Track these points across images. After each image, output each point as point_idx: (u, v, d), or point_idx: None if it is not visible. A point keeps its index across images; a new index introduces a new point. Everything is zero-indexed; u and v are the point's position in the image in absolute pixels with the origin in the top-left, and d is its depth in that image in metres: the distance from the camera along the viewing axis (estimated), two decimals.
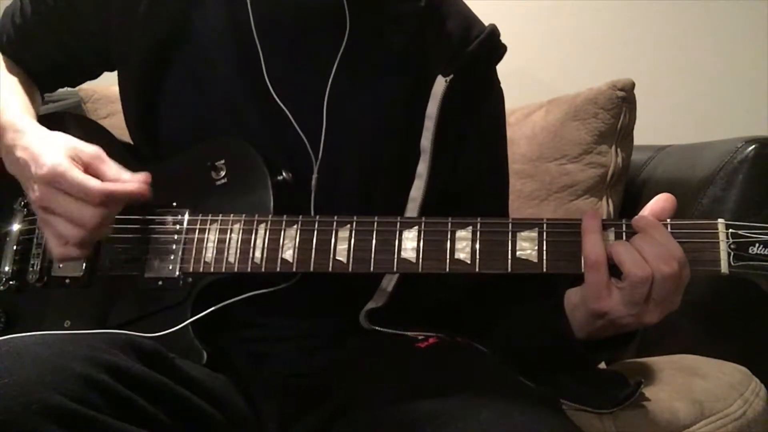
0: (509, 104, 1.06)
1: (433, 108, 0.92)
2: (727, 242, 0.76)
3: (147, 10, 0.93)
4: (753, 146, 1.18)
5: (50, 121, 1.01)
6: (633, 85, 1.46)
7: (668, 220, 0.78)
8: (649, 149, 1.51)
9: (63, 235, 0.82)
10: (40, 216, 0.84)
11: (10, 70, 1.02)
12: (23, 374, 0.64)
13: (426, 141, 0.93)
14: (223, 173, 0.91)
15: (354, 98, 0.94)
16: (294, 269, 0.84)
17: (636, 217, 0.79)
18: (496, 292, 0.92)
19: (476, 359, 0.87)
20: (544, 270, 0.79)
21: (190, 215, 0.89)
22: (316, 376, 0.90)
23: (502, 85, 1.03)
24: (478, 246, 0.81)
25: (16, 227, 0.96)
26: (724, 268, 0.76)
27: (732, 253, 0.76)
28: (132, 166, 0.96)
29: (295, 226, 0.85)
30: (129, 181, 0.83)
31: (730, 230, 0.76)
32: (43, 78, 1.06)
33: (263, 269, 0.85)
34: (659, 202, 0.80)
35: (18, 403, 0.62)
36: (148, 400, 0.71)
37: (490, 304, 0.94)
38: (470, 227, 0.81)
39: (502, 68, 1.01)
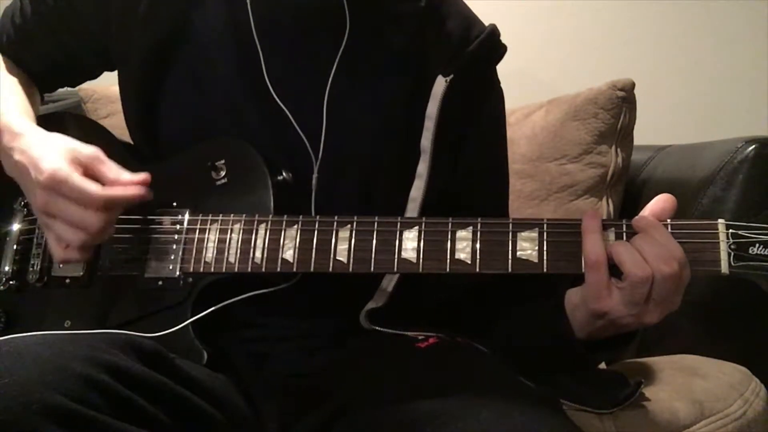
0: (509, 104, 1.06)
1: (433, 108, 0.92)
2: (728, 242, 0.76)
3: (147, 10, 0.93)
4: (753, 146, 1.18)
5: (50, 121, 1.01)
6: (633, 85, 1.46)
7: (668, 220, 0.78)
8: (649, 149, 1.51)
9: (65, 239, 0.82)
10: (42, 220, 0.84)
11: (10, 71, 1.02)
12: (24, 374, 0.64)
13: (426, 141, 0.93)
14: (223, 173, 0.91)
15: (354, 98, 0.94)
16: (294, 269, 0.84)
17: (636, 217, 0.79)
18: (497, 292, 0.92)
19: (476, 359, 0.87)
20: (545, 270, 0.79)
21: (190, 215, 0.89)
22: (316, 376, 0.90)
23: (502, 85, 1.03)
24: (478, 246, 0.81)
25: (16, 227, 0.96)
26: (724, 268, 0.76)
27: (732, 254, 0.76)
28: (132, 166, 0.96)
29: (296, 226, 0.85)
30: (129, 183, 0.83)
31: (731, 230, 0.76)
32: (43, 78, 1.06)
33: (264, 269, 0.85)
34: (659, 203, 0.80)
35: (18, 403, 0.62)
36: (148, 400, 0.71)
37: (490, 304, 0.95)
38: (470, 227, 0.81)
39: (502, 68, 1.01)
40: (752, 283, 0.77)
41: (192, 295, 0.87)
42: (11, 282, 0.93)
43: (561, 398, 0.85)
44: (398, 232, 0.82)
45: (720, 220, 0.77)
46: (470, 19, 1.00)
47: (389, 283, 0.92)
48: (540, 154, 1.52)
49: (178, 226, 0.89)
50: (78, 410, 0.64)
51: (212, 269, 0.86)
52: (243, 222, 0.87)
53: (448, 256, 0.81)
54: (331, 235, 0.84)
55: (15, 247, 0.95)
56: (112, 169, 0.84)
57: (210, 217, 0.88)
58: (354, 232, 0.83)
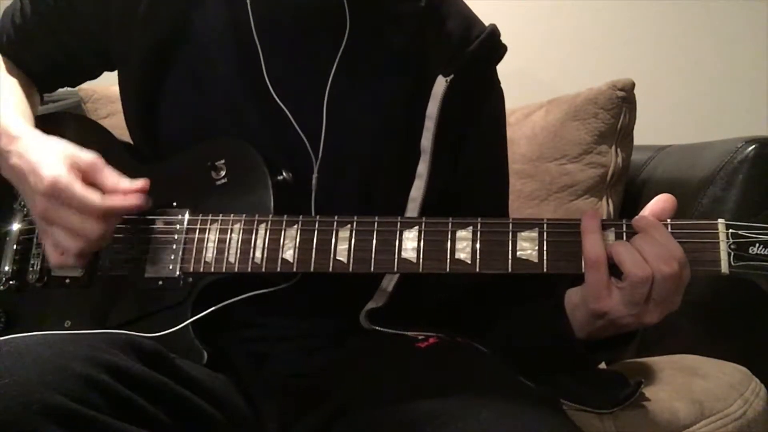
0: (509, 104, 1.06)
1: (433, 108, 0.92)
2: (728, 242, 0.76)
3: (147, 10, 0.93)
4: (753, 146, 1.18)
5: (50, 121, 1.01)
6: (633, 85, 1.46)
7: (668, 220, 0.78)
8: (649, 149, 1.51)
9: (63, 245, 0.82)
10: (41, 226, 0.84)
11: (10, 72, 1.02)
12: (24, 374, 0.64)
13: (426, 141, 0.93)
14: (223, 173, 0.91)
15: (354, 98, 0.94)
16: (294, 269, 0.84)
17: (636, 217, 0.79)
18: (497, 292, 0.92)
19: (476, 359, 0.87)
20: (545, 270, 0.79)
21: (190, 215, 0.89)
22: (316, 376, 0.90)
23: (502, 85, 1.03)
24: (478, 246, 0.81)
25: (16, 227, 0.96)
26: (724, 268, 0.76)
27: (732, 253, 0.76)
28: (132, 166, 0.96)
29: (296, 226, 0.85)
30: (128, 190, 0.83)
31: (731, 230, 0.76)
32: (43, 78, 1.06)
33: (264, 269, 0.85)
34: (659, 203, 0.80)
35: (18, 403, 0.62)
36: (148, 400, 0.71)
37: (490, 304, 0.94)
38: (470, 227, 0.81)
39: (502, 68, 1.01)
40: (752, 282, 0.77)
41: (192, 295, 0.87)
42: (11, 282, 0.93)
43: (561, 398, 0.85)
44: (398, 232, 0.82)
45: (720, 220, 0.77)
46: (470, 19, 1.00)
47: (389, 283, 0.91)
48: (540, 154, 1.52)
49: (178, 226, 0.89)
50: (78, 410, 0.64)
51: (212, 269, 0.86)
52: (243, 222, 0.87)
53: (448, 256, 0.81)
54: (331, 235, 0.84)
55: (15, 247, 0.95)
56: (111, 177, 0.84)
57: (210, 217, 0.88)
58: (354, 232, 0.83)
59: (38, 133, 0.88)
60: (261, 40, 0.93)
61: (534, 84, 1.83)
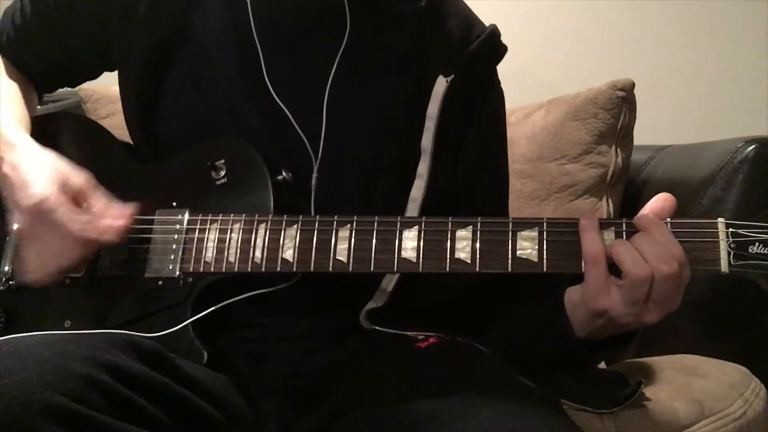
0: (509, 104, 1.06)
1: (433, 108, 0.92)
2: (727, 241, 0.76)
3: (147, 10, 0.93)
4: (753, 146, 1.18)
5: (49, 121, 1.01)
6: (633, 85, 1.46)
7: (668, 219, 0.78)
8: (649, 149, 1.51)
9: (34, 264, 0.83)
10: (19, 239, 0.85)
11: (9, 74, 1.02)
12: (24, 374, 0.64)
13: (426, 141, 0.93)
14: (223, 173, 0.91)
15: (354, 98, 0.94)
16: (294, 269, 0.84)
17: (638, 215, 0.79)
18: (497, 292, 0.92)
19: (476, 359, 0.87)
20: (545, 269, 0.79)
21: (190, 215, 0.89)
22: (316, 376, 0.90)
23: (502, 85, 1.03)
24: (478, 245, 0.80)
25: (15, 227, 0.96)
26: (724, 267, 0.76)
27: (732, 252, 0.76)
28: (132, 166, 0.96)
29: (296, 226, 0.85)
30: (117, 215, 0.84)
31: (730, 229, 0.76)
32: (42, 78, 1.06)
33: (263, 269, 0.85)
34: (659, 202, 0.80)
35: (18, 403, 0.62)
36: (148, 400, 0.71)
37: (490, 304, 0.94)
38: (470, 227, 0.81)
39: (502, 68, 1.01)
40: (752, 282, 0.77)
41: (192, 295, 0.87)
42: (11, 282, 0.93)
43: (561, 398, 0.85)
44: (398, 232, 0.82)
45: (720, 219, 0.77)
46: (470, 19, 1.00)
47: (389, 282, 0.91)
48: (540, 154, 1.52)
49: (177, 226, 0.89)
50: (78, 410, 0.64)
51: (212, 269, 0.86)
52: (243, 222, 0.87)
53: (448, 256, 0.81)
54: (330, 234, 0.84)
55: (15, 247, 0.95)
56: (100, 201, 0.84)
57: (210, 217, 0.88)
58: (354, 231, 0.83)
59: (35, 145, 0.88)
60: (261, 40, 0.93)
61: (534, 84, 1.83)
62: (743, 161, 1.18)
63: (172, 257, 0.88)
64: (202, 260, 0.87)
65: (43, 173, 0.83)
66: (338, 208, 0.87)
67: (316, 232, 0.84)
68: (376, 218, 0.84)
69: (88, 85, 1.70)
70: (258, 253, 0.85)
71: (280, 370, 0.90)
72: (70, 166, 0.86)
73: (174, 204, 0.91)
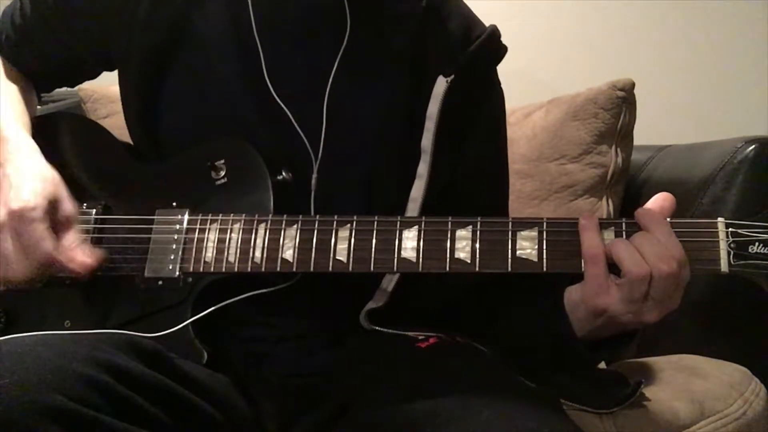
0: (509, 104, 1.06)
1: (433, 108, 0.92)
2: (727, 241, 0.76)
3: (147, 11, 0.93)
4: (753, 146, 1.18)
5: (49, 121, 1.01)
6: (633, 85, 1.46)
7: (668, 219, 0.78)
8: (649, 149, 1.51)
9: None
10: None
11: (9, 75, 1.02)
12: (24, 374, 0.64)
13: (426, 141, 0.93)
14: (222, 173, 0.91)
15: (354, 98, 0.94)
16: (294, 269, 0.84)
17: (639, 209, 0.79)
18: (497, 292, 0.92)
19: (476, 359, 0.87)
20: (544, 269, 0.79)
21: (189, 215, 0.89)
22: (315, 376, 0.90)
23: (502, 85, 1.03)
24: (478, 245, 0.81)
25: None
26: (723, 267, 0.76)
27: (732, 252, 0.76)
28: (132, 166, 0.96)
29: (295, 226, 0.85)
30: (82, 262, 0.84)
31: (730, 229, 0.76)
32: (42, 78, 1.06)
33: (263, 269, 0.85)
34: (658, 201, 0.80)
35: (19, 403, 0.62)
36: (148, 400, 0.71)
37: (490, 304, 0.94)
38: (470, 227, 0.81)
39: (502, 68, 1.01)
40: (752, 282, 0.77)
41: (192, 295, 0.87)
42: None
43: (561, 398, 0.85)
44: (398, 232, 0.82)
45: (720, 219, 0.77)
46: (471, 19, 1.00)
47: (389, 282, 0.91)
48: (540, 154, 1.52)
49: (177, 226, 0.89)
50: (78, 410, 0.64)
51: (212, 269, 0.86)
52: (243, 222, 0.87)
53: (448, 256, 0.81)
54: (330, 234, 0.84)
55: None
56: (72, 240, 0.84)
57: (210, 217, 0.88)
58: (354, 231, 0.83)
59: (34, 154, 0.89)
60: (262, 40, 0.93)
61: (534, 84, 1.83)
62: (743, 161, 1.18)
63: (172, 257, 0.88)
64: (202, 260, 0.87)
65: (41, 185, 0.84)
66: (338, 208, 0.87)
67: (315, 232, 0.84)
68: (376, 218, 0.84)
69: (88, 85, 1.70)
70: (258, 253, 0.85)
71: (279, 369, 0.90)
72: (67, 194, 0.87)
73: (174, 204, 0.91)
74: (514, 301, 0.91)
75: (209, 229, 0.88)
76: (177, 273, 0.87)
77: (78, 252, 0.84)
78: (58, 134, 0.99)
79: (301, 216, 0.86)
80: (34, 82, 1.06)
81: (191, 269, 0.87)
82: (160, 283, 0.88)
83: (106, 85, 1.43)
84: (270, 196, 0.88)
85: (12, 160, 0.86)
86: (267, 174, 0.89)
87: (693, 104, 1.79)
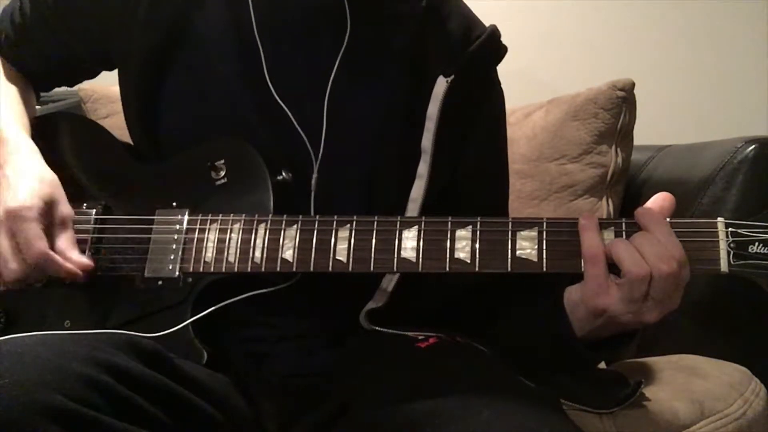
0: (509, 104, 1.06)
1: (433, 108, 0.92)
2: (727, 241, 0.76)
3: (147, 11, 0.93)
4: (753, 146, 1.18)
5: (49, 121, 1.01)
6: (633, 85, 1.46)
7: (668, 219, 0.78)
8: (649, 149, 1.51)
9: None
10: None
11: (7, 75, 1.02)
12: (24, 374, 0.64)
13: (427, 141, 0.93)
14: (222, 173, 0.91)
15: (355, 98, 0.94)
16: (294, 269, 0.84)
17: (639, 209, 0.79)
18: (496, 292, 0.92)
19: (476, 359, 0.87)
20: (544, 269, 0.79)
21: (189, 215, 0.89)
22: (315, 375, 0.90)
23: (502, 85, 1.03)
24: (478, 245, 0.81)
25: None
26: (723, 266, 0.76)
27: (732, 252, 0.76)
28: (132, 166, 0.96)
29: (295, 226, 0.85)
30: (72, 263, 0.85)
31: (730, 229, 0.76)
32: (41, 77, 1.07)
33: (263, 269, 0.85)
34: (658, 201, 0.80)
35: (19, 403, 0.62)
36: (148, 400, 0.71)
37: (490, 304, 0.94)
38: (470, 227, 0.81)
39: (502, 68, 1.01)
40: (752, 282, 0.77)
41: (192, 295, 0.87)
42: None
43: (561, 398, 0.85)
44: (398, 232, 0.82)
45: (719, 219, 0.77)
46: (471, 19, 1.00)
47: (389, 282, 0.91)
48: (540, 154, 1.52)
49: (177, 226, 0.89)
50: (78, 410, 0.64)
51: (212, 269, 0.86)
52: (242, 222, 0.87)
53: (448, 256, 0.81)
54: (330, 234, 0.84)
55: None
56: (66, 242, 0.86)
57: (209, 217, 0.88)
58: (353, 231, 0.83)
59: (33, 155, 0.90)
60: (262, 40, 0.93)
61: (534, 84, 1.83)
62: (743, 161, 1.18)
63: (172, 257, 0.88)
64: (202, 260, 0.87)
65: (38, 185, 0.85)
66: (338, 208, 0.87)
67: (315, 232, 0.84)
68: (376, 218, 0.84)
69: (88, 85, 1.70)
70: (258, 253, 0.85)
71: (279, 369, 0.90)
72: (64, 196, 0.88)
73: (174, 204, 0.91)
74: (514, 301, 0.91)
75: (209, 229, 0.88)
76: (177, 273, 0.87)
77: (71, 253, 0.86)
78: (57, 134, 0.99)
79: (301, 216, 0.86)
80: (33, 82, 1.06)
81: (191, 269, 0.87)
82: (160, 283, 0.88)
83: (106, 85, 1.43)
84: (270, 196, 0.88)
85: (10, 161, 0.87)
86: (267, 174, 0.89)
87: (693, 104, 1.79)
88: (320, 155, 0.92)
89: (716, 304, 1.15)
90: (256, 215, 0.87)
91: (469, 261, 0.80)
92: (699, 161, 1.26)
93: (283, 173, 0.91)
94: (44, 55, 1.03)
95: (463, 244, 0.81)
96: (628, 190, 1.50)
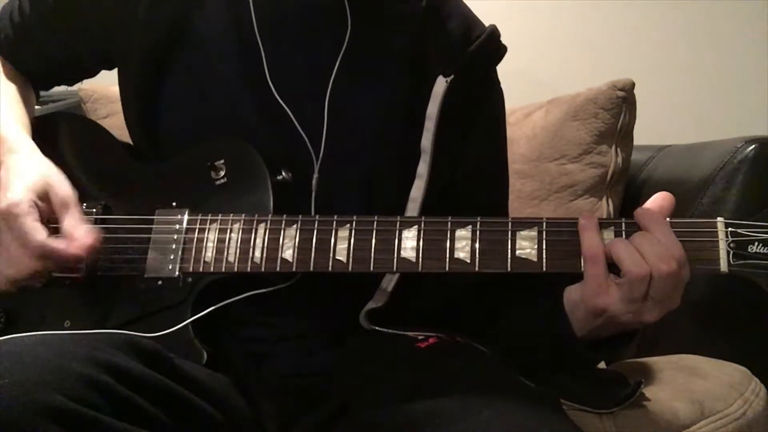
0: (509, 104, 1.06)
1: (433, 108, 0.92)
2: (727, 241, 0.76)
3: (147, 11, 0.93)
4: (753, 146, 1.18)
5: (49, 121, 1.01)
6: (633, 85, 1.46)
7: (667, 219, 0.78)
8: (649, 149, 1.51)
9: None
10: None
11: (6, 73, 1.02)
12: (23, 374, 0.64)
13: (426, 141, 0.93)
14: (222, 173, 0.91)
15: (355, 98, 0.94)
16: (294, 269, 0.84)
17: (639, 209, 0.79)
18: (496, 292, 0.92)
19: (476, 359, 0.87)
20: (544, 269, 0.79)
21: (189, 215, 0.89)
22: (315, 376, 0.90)
23: (502, 85, 1.03)
24: (477, 245, 0.81)
25: None
26: (723, 266, 0.76)
27: (731, 252, 0.76)
28: (132, 166, 0.96)
29: (295, 226, 0.85)
30: (79, 241, 0.83)
31: (730, 229, 0.76)
32: (41, 77, 1.06)
33: (263, 269, 0.85)
34: (657, 200, 0.80)
35: (18, 403, 0.62)
36: (148, 400, 0.71)
37: (490, 304, 0.94)
38: (470, 226, 0.81)
39: (502, 68, 1.01)
40: (752, 282, 0.77)
41: (192, 294, 0.87)
42: None
43: (561, 398, 0.85)
44: (397, 231, 0.82)
45: (719, 219, 0.77)
46: (470, 19, 1.00)
47: (389, 282, 0.91)
48: (540, 154, 1.52)
49: (177, 226, 0.89)
50: (78, 410, 0.64)
51: (212, 269, 0.86)
52: (242, 222, 0.87)
53: (448, 256, 0.81)
54: (330, 234, 0.84)
55: None
56: (71, 221, 0.84)
57: (209, 217, 0.88)
58: (353, 231, 0.83)
59: (32, 150, 0.90)
60: (263, 40, 0.93)
61: (534, 84, 1.83)
62: (743, 161, 1.18)
63: (172, 257, 0.88)
64: (202, 260, 0.87)
65: (25, 179, 0.84)
66: (338, 208, 0.87)
67: (315, 231, 0.84)
68: (376, 218, 0.84)
69: (88, 85, 1.70)
70: (257, 253, 0.85)
71: (279, 369, 0.90)
72: (61, 175, 0.87)
73: (174, 204, 0.91)
74: (514, 301, 0.91)
75: (209, 229, 0.88)
76: (177, 273, 0.87)
77: (78, 231, 0.84)
78: (57, 134, 0.99)
79: (300, 216, 0.86)
80: (32, 81, 1.06)
81: (191, 269, 0.87)
82: (160, 283, 0.88)
83: (106, 85, 1.43)
84: (270, 196, 0.88)
85: (6, 160, 0.87)
86: (267, 174, 0.89)
87: (693, 104, 1.79)
88: (321, 155, 0.92)
89: (716, 304, 1.15)
90: (256, 215, 0.87)
91: (469, 261, 0.80)
92: (699, 161, 1.26)
93: (283, 173, 0.91)
94: (44, 55, 1.03)
95: (463, 244, 0.81)
96: (628, 190, 1.50)
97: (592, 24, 1.86)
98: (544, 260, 0.79)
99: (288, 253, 0.84)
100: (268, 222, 0.86)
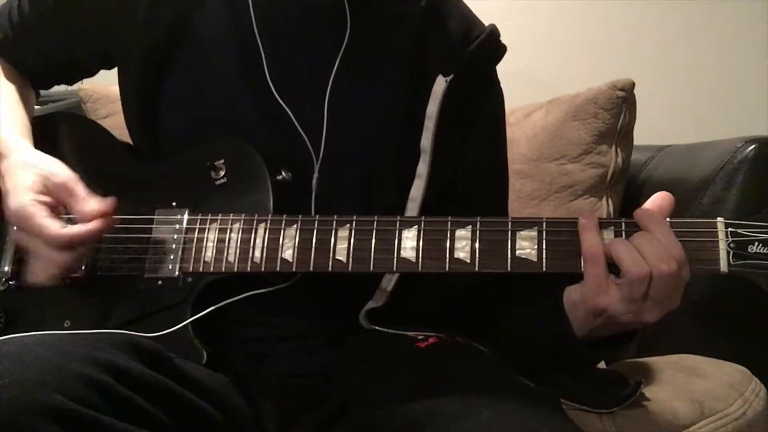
0: (509, 104, 1.06)
1: (433, 108, 0.92)
2: (727, 241, 0.76)
3: (147, 12, 0.93)
4: (753, 146, 1.18)
5: (49, 121, 1.01)
6: (633, 85, 1.46)
7: (667, 219, 0.78)
8: (649, 149, 1.51)
9: (37, 267, 0.85)
10: (17, 243, 0.87)
11: (6, 73, 1.02)
12: (23, 374, 0.64)
13: (426, 141, 0.93)
14: (222, 173, 0.91)
15: (355, 98, 0.94)
16: (294, 269, 0.84)
17: (639, 210, 0.79)
18: (496, 292, 0.92)
19: (476, 359, 0.87)
20: (544, 269, 0.79)
21: (189, 215, 0.89)
22: (315, 376, 0.90)
23: (502, 85, 1.03)
24: (477, 245, 0.81)
25: (15, 229, 0.96)
26: (723, 266, 0.76)
27: (731, 252, 0.76)
28: (132, 166, 0.96)
29: (295, 226, 0.85)
30: (95, 214, 0.83)
31: (730, 229, 0.76)
32: (40, 76, 1.06)
33: (263, 269, 0.85)
34: (657, 200, 0.80)
35: (18, 403, 0.62)
36: (148, 401, 0.71)
37: (490, 304, 0.94)
38: (470, 226, 0.81)
39: (502, 68, 1.01)
40: (752, 282, 0.77)
41: (192, 294, 0.87)
42: (11, 282, 0.93)
43: (561, 398, 0.85)
44: (397, 231, 0.82)
45: (719, 219, 0.77)
46: (470, 19, 1.00)
47: (389, 282, 0.91)
48: (540, 154, 1.52)
49: (177, 226, 0.89)
50: (78, 410, 0.64)
51: (212, 269, 0.86)
52: (242, 222, 0.87)
53: (448, 256, 0.81)
54: (330, 234, 0.84)
55: (14, 247, 0.95)
56: (79, 200, 0.84)
57: (209, 217, 0.88)
58: (353, 231, 0.83)
59: (28, 151, 0.90)
60: (263, 40, 0.93)
61: (534, 84, 1.83)
62: (743, 161, 1.18)
63: (172, 257, 0.88)
64: (202, 260, 0.87)
65: (24, 181, 0.85)
66: (338, 208, 0.87)
67: (315, 231, 0.84)
68: (376, 218, 0.84)
69: (88, 85, 1.70)
70: (257, 253, 0.85)
71: (279, 369, 0.90)
72: (54, 163, 0.87)
73: (174, 204, 0.91)
74: (514, 301, 0.91)
75: (209, 229, 0.88)
76: (177, 273, 0.87)
77: (88, 207, 0.84)
78: (57, 134, 0.99)
79: (300, 216, 0.86)
80: (31, 81, 1.06)
81: (191, 269, 0.87)
82: (160, 283, 0.88)
83: (106, 85, 1.43)
84: (270, 196, 0.88)
85: (2, 167, 0.87)
86: (267, 174, 0.89)
87: (693, 104, 1.79)
88: (321, 155, 0.92)
89: (716, 304, 1.15)
90: (256, 215, 0.87)
91: (468, 261, 0.80)
92: (699, 161, 1.26)
93: (283, 173, 0.91)
94: (43, 55, 1.03)
95: (463, 244, 0.81)
96: (628, 190, 1.50)
97: (592, 24, 1.86)
98: (544, 260, 0.79)
99: (288, 253, 0.84)
100: (268, 222, 0.86)
